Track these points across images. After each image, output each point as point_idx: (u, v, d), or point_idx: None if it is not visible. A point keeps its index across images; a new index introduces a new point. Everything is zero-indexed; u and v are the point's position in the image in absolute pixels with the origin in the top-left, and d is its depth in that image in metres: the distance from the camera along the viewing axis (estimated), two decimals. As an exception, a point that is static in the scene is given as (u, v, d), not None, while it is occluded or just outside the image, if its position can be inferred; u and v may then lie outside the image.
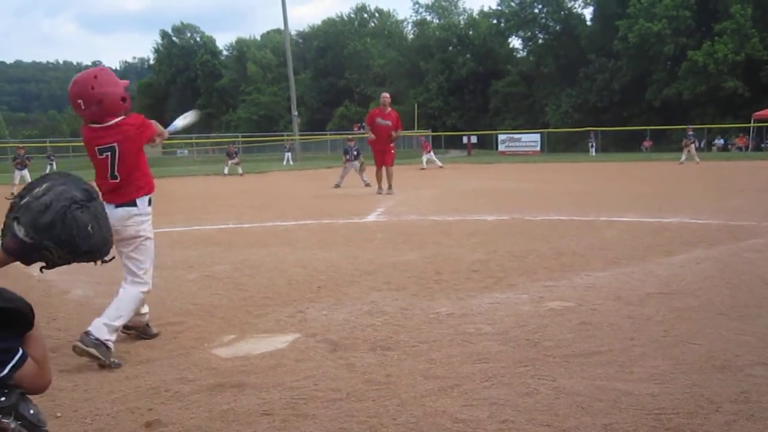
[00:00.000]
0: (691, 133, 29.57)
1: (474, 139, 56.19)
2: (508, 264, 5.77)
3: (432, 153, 30.33)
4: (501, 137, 56.03)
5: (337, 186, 17.73)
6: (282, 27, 46.62)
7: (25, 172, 20.49)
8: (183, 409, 2.71)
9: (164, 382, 3.04)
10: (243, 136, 70.72)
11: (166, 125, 4.05)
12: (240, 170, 26.91)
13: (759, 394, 2.69)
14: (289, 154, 41.36)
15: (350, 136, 22.24)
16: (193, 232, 8.73)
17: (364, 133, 18.67)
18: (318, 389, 2.89)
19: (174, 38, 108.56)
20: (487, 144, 56.87)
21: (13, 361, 1.76)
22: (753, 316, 3.87)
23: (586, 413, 2.55)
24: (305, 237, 7.99)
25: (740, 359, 3.12)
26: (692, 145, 28.36)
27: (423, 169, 26.38)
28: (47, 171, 34.41)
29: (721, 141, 51.36)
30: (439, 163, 28.56)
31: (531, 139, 51.77)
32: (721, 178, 18.47)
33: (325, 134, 70.80)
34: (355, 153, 19.37)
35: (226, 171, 26.70)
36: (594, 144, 46.91)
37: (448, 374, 3.03)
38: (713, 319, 3.85)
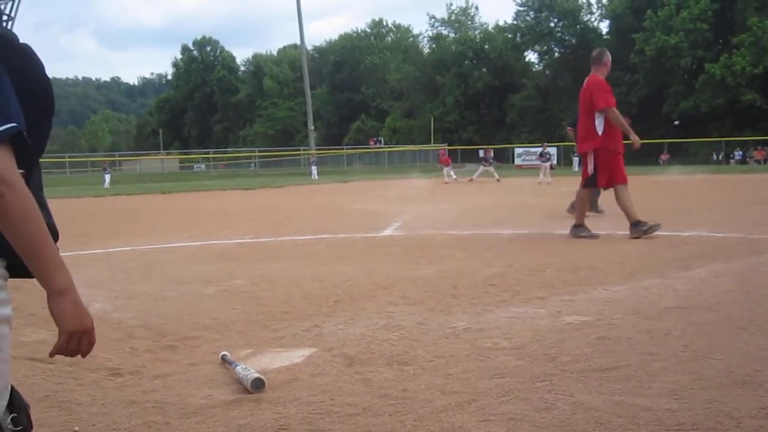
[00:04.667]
0: (482, 155, 32.38)
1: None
2: (525, 278, 5.75)
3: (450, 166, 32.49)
4: (517, 151, 56.02)
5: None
6: (298, 42, 46.92)
7: None
8: (200, 424, 2.72)
9: (181, 397, 3.05)
10: (260, 151, 71.16)
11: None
12: (497, 175, 30.27)
13: (780, 409, 2.66)
14: (315, 168, 42.10)
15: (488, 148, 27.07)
16: (210, 246, 8.77)
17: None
18: (334, 404, 2.89)
19: (194, 52, 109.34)
20: (504, 158, 56.86)
21: None
22: (773, 331, 3.83)
23: (605, 429, 2.52)
24: (322, 251, 8.01)
25: (760, 374, 3.08)
26: (488, 167, 31.08)
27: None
28: (105, 183, 34.72)
29: (740, 154, 50.97)
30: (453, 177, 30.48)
31: (539, 152, 51.77)
32: (740, 191, 18.34)
33: (342, 149, 71.02)
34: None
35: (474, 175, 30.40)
36: (578, 157, 46.64)
37: (464, 389, 3.02)
38: (733, 333, 3.81)
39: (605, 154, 8.49)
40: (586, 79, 8.76)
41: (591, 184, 8.74)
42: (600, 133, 8.41)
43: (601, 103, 8.34)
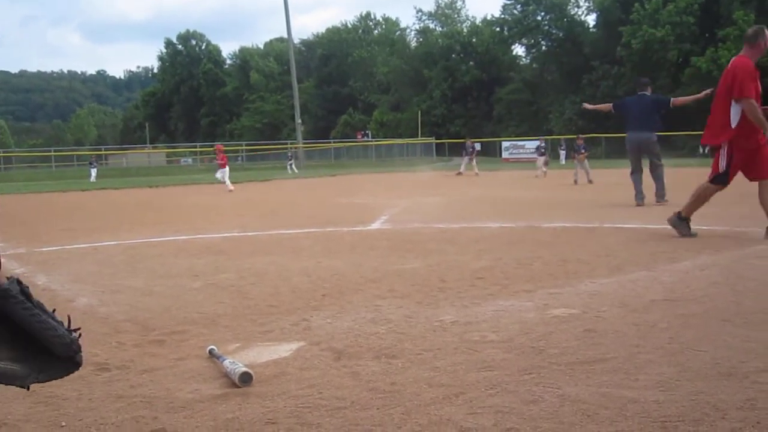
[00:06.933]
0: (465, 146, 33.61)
1: (477, 146, 56.50)
2: (513, 271, 5.76)
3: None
4: (504, 144, 56.14)
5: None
6: (285, 35, 46.75)
7: None
8: (188, 418, 2.71)
9: (169, 391, 3.04)
10: (247, 144, 70.95)
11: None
12: (476, 169, 31.43)
13: (765, 401, 2.68)
14: (292, 162, 41.55)
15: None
16: (197, 240, 8.74)
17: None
18: (322, 397, 2.89)
19: (179, 46, 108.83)
20: (491, 151, 56.96)
21: None
22: (759, 323, 3.86)
23: (592, 421, 2.54)
24: (310, 245, 7.99)
25: (746, 366, 3.10)
26: (470, 159, 32.22)
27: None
28: (92, 177, 34.16)
29: (726, 147, 51.05)
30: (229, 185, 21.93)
31: (534, 146, 51.99)
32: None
33: (329, 142, 70.92)
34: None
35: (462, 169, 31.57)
36: (564, 150, 46.82)
37: (452, 382, 3.02)
38: (718, 325, 3.83)
39: (740, 149, 7.33)
40: (732, 59, 7.49)
41: (721, 182, 7.52)
42: (734, 125, 7.22)
43: (737, 91, 7.07)
